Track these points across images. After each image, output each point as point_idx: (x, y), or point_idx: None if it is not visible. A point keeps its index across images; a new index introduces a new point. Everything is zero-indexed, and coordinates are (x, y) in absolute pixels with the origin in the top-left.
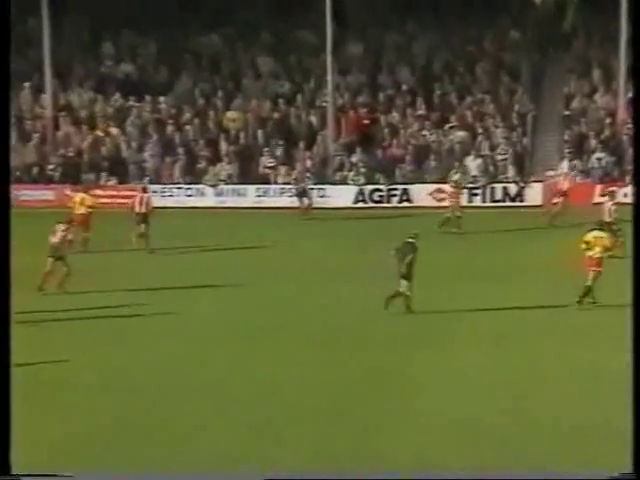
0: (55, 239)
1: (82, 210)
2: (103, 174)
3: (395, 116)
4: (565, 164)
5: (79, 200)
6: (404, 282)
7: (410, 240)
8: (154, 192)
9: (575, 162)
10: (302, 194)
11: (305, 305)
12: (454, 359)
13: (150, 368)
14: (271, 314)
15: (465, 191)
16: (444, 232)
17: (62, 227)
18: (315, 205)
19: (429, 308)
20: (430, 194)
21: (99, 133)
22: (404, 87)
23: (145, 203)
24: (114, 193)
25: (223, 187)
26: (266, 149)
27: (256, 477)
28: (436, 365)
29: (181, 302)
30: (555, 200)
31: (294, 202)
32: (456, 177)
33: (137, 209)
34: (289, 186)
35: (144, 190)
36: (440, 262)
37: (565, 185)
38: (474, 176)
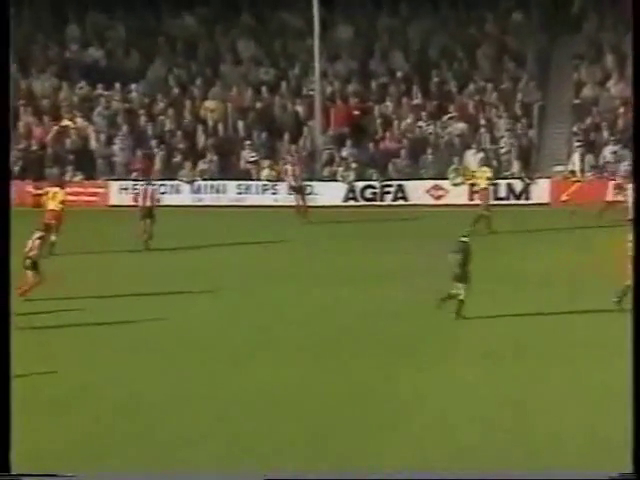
0: (31, 250)
1: (53, 206)
2: (68, 169)
3: (389, 106)
4: (575, 158)
5: (51, 195)
6: (459, 284)
7: (463, 239)
8: (124, 189)
9: (586, 156)
10: (298, 191)
11: (289, 317)
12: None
13: (122, 383)
14: (254, 325)
15: (464, 189)
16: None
17: (37, 235)
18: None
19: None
20: (427, 191)
21: (63, 124)
22: (398, 74)
23: (150, 196)
24: (80, 190)
25: (200, 183)
26: (248, 142)
27: (256, 477)
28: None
29: (154, 310)
30: (564, 198)
31: (278, 200)
32: (486, 173)
33: (141, 203)
34: (272, 182)
35: (149, 183)
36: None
37: (574, 181)
38: (474, 172)
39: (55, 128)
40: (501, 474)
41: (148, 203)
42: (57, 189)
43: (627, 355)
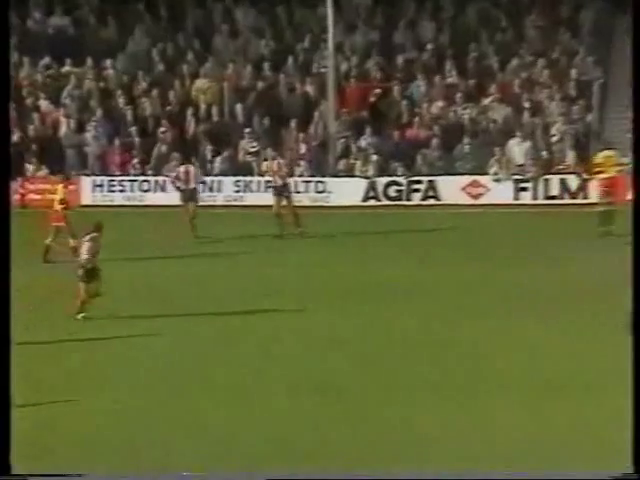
0: (85, 254)
1: (57, 206)
2: (31, 162)
3: (417, 86)
4: None
5: (57, 192)
6: None
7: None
8: (98, 186)
9: None
10: (281, 191)
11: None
12: None
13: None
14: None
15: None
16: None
17: (87, 237)
18: (312, 204)
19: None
20: (463, 189)
21: (25, 107)
22: (428, 47)
23: (193, 177)
24: (45, 187)
25: None
26: (247, 129)
27: (256, 477)
28: None
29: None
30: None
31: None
32: (613, 158)
33: (183, 185)
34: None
35: (189, 161)
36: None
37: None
38: (520, 165)
39: (14, 112)
40: (501, 474)
41: (192, 185)
42: (61, 186)
43: None
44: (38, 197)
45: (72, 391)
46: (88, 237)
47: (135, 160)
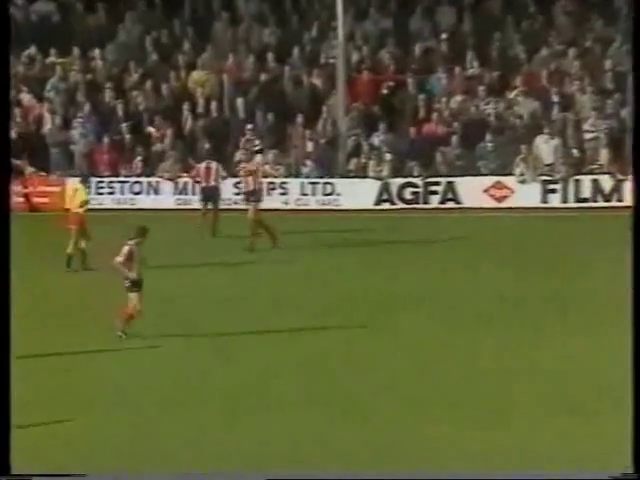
0: (130, 262)
1: (76, 207)
2: (11, 160)
3: (435, 78)
4: None
5: (72, 193)
6: None
7: None
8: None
9: None
10: (209, 196)
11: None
12: None
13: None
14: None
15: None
16: None
17: (128, 244)
18: (319, 207)
19: None
20: (486, 190)
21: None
22: (445, 36)
23: (215, 173)
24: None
25: (186, 181)
26: (249, 126)
27: (256, 477)
28: None
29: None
30: None
31: (289, 203)
32: None
33: (204, 182)
34: (281, 180)
35: (212, 158)
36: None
37: None
38: (549, 165)
39: None
40: (501, 474)
41: (212, 182)
42: (78, 185)
43: None
44: (19, 200)
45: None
46: (132, 243)
47: (126, 160)
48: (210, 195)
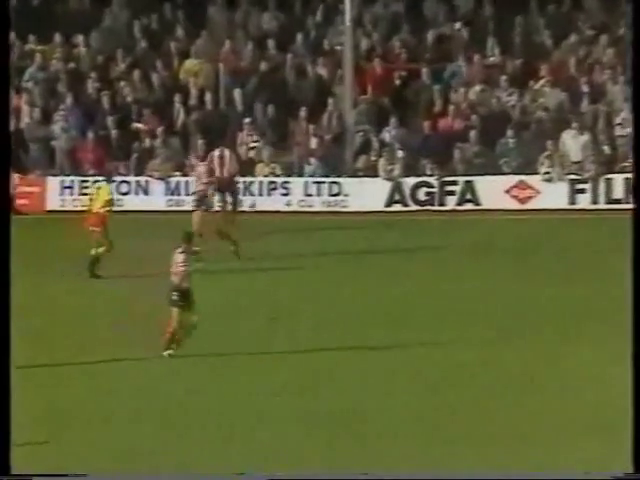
0: (175, 275)
1: (98, 208)
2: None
3: (452, 67)
4: None
5: (95, 192)
6: None
7: None
8: (68, 187)
9: None
10: (201, 201)
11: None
12: None
13: None
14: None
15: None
16: None
17: (178, 251)
18: (325, 209)
19: None
20: (508, 191)
21: None
22: (462, 22)
23: (229, 162)
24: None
25: (179, 180)
26: (248, 120)
27: (256, 477)
28: None
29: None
30: None
31: (291, 204)
32: None
33: (218, 172)
34: (282, 179)
35: (226, 145)
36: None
37: None
38: (577, 162)
39: None
40: (501, 474)
41: (225, 173)
42: (104, 184)
43: None
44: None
45: None
46: (180, 250)
47: (112, 157)
48: (227, 188)
